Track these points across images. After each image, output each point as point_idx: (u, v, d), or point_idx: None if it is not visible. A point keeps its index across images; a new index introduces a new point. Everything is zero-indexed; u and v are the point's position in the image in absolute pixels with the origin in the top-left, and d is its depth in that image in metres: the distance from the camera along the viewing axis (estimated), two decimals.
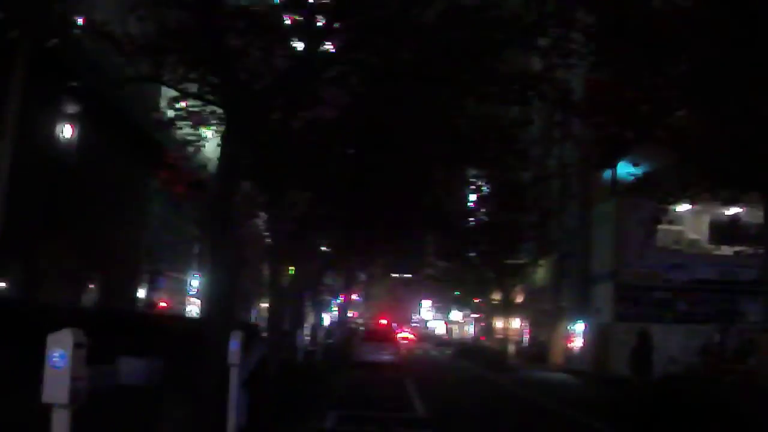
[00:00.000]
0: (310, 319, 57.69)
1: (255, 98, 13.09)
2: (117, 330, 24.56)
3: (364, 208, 29.12)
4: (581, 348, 45.18)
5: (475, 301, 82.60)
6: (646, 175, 33.80)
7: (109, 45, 16.93)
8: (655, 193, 27.51)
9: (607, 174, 42.11)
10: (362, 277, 76.54)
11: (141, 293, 39.73)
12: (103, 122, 29.03)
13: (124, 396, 20.76)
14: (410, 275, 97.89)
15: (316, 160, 21.32)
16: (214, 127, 20.88)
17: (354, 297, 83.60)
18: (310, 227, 25.39)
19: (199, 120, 17.81)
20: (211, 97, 15.13)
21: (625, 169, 37.92)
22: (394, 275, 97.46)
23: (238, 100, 12.97)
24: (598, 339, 41.76)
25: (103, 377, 20.95)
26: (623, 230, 40.07)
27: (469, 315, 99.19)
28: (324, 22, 14.35)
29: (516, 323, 62.24)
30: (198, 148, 22.39)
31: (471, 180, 42.48)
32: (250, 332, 21.15)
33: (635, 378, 24.87)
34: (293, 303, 27.84)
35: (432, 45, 15.93)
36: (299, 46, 15.23)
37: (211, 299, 13.33)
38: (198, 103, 18.79)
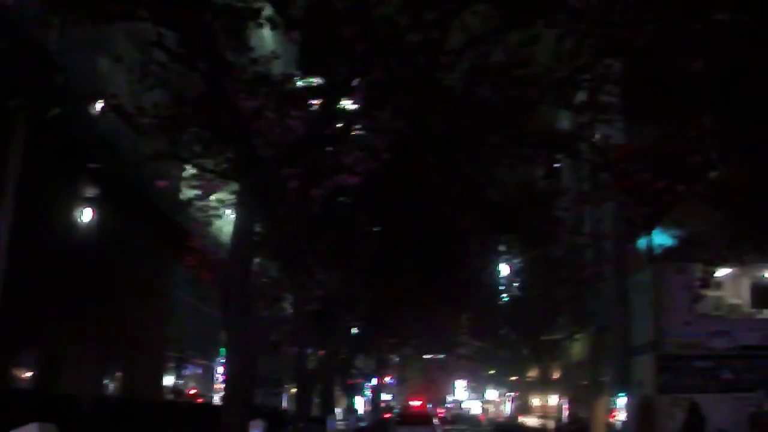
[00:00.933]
0: (342, 404, 56.50)
1: (268, 163, 12.15)
2: (138, 419, 23.74)
3: (392, 287, 28.19)
4: (624, 423, 43.44)
5: (511, 379, 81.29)
6: (686, 238, 33.07)
7: (122, 121, 16.24)
8: (699, 255, 26.47)
9: (641, 243, 41.06)
10: (394, 359, 75.40)
11: (168, 381, 38.86)
12: (123, 205, 28.44)
13: None
14: (442, 356, 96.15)
15: (339, 234, 20.35)
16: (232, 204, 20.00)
17: (387, 380, 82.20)
18: (336, 307, 24.31)
19: (209, 187, 16.78)
20: (227, 172, 14.24)
21: (659, 237, 37.46)
22: (426, 356, 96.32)
23: (251, 165, 12.05)
24: (641, 413, 40.08)
25: None
26: (662, 298, 38.71)
27: (504, 393, 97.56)
28: (342, 78, 13.45)
29: (553, 400, 60.52)
30: (215, 227, 21.44)
31: (502, 253, 41.28)
32: (277, 419, 19.99)
33: None
34: (321, 387, 26.68)
35: (459, 105, 15.08)
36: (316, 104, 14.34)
37: (227, 384, 12.25)
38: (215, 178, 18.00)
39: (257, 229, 16.04)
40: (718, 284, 38.50)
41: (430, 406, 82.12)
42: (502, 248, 28.51)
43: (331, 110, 13.13)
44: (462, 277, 30.11)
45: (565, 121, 19.35)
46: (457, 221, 19.92)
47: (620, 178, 40.17)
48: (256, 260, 22.61)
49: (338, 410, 46.19)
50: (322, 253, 19.76)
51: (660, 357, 38.70)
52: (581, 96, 16.31)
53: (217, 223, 21.31)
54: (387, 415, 49.44)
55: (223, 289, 12.22)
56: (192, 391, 42.01)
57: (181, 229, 27.74)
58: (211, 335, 44.84)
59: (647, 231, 38.93)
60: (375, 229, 22.39)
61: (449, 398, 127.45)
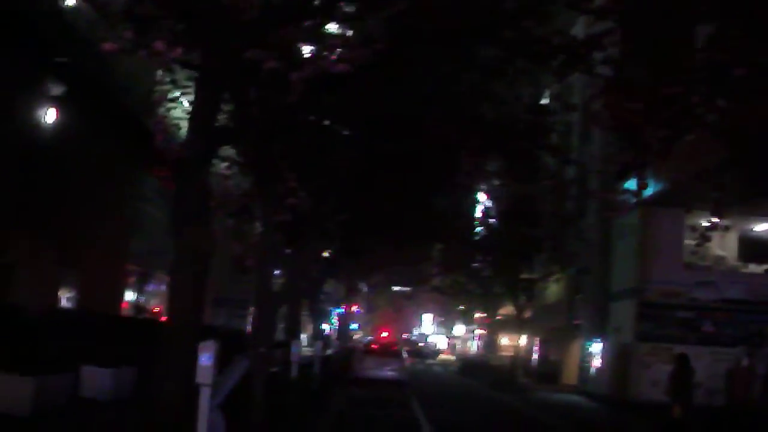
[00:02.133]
0: (309, 330, 55.19)
1: (240, 32, 10.23)
2: (90, 333, 22.25)
3: (370, 208, 26.58)
4: (598, 369, 42.42)
5: (478, 315, 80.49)
6: (679, 183, 31.68)
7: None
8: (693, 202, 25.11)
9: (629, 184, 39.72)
10: (364, 287, 74.43)
11: (130, 296, 37.41)
12: (90, 106, 26.59)
13: (78, 411, 18.35)
14: (413, 287, 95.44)
15: (318, 134, 18.52)
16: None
17: (355, 308, 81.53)
18: (307, 224, 22.56)
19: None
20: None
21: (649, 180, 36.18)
22: (396, 288, 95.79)
23: (218, 31, 10.19)
24: (617, 360, 39.09)
25: (60, 389, 18.51)
26: (648, 244, 37.73)
27: (472, 330, 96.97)
28: None
29: (524, 340, 59.57)
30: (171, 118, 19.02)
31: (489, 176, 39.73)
32: (235, 342, 18.42)
33: (676, 407, 22.16)
34: (287, 310, 25.08)
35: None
36: None
37: (170, 299, 10.51)
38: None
39: (221, 118, 14.16)
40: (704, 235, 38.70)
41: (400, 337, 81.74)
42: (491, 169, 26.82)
43: None
44: (446, 201, 28.46)
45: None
46: (449, 135, 18.12)
47: (605, 119, 38.54)
48: (223, 164, 20.78)
49: (304, 336, 44.75)
50: (297, 155, 17.85)
51: (642, 304, 37.75)
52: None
53: (174, 114, 19.02)
54: (372, 346, 48.20)
55: (175, 185, 10.43)
56: (156, 309, 40.48)
57: (150, 135, 25.69)
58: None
59: (637, 173, 37.98)
60: (358, 135, 20.49)
61: (415, 331, 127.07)
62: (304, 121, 16.77)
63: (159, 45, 9.82)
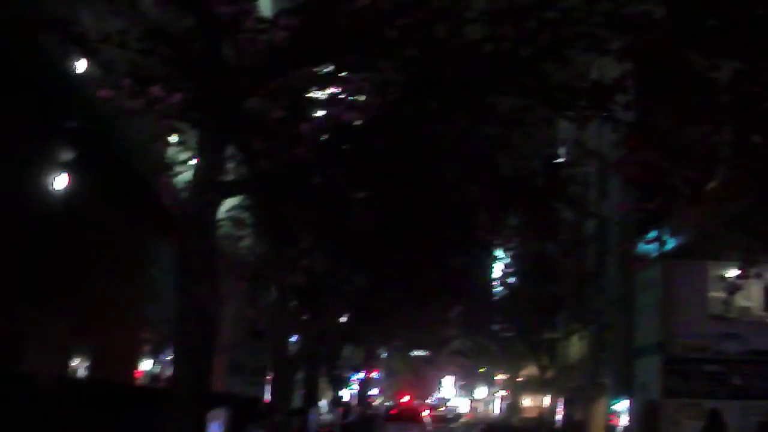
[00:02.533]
0: (328, 396, 54.29)
1: (242, 78, 9.72)
2: (102, 404, 21.59)
3: (387, 268, 26.01)
4: (625, 428, 41.37)
5: (499, 377, 79.56)
6: (700, 235, 31.19)
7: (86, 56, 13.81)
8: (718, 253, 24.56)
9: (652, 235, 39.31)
10: (383, 353, 73.60)
11: (146, 366, 36.80)
12: (101, 172, 26.23)
13: None
14: (432, 351, 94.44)
15: (330, 191, 17.94)
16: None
17: (374, 374, 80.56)
18: (323, 286, 21.93)
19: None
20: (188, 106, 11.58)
21: (669, 233, 35.80)
22: (415, 352, 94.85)
23: (220, 83, 9.68)
24: (645, 418, 38.07)
25: None
26: (672, 297, 37.01)
27: (494, 392, 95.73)
28: None
29: (546, 401, 58.49)
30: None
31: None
32: (249, 409, 17.77)
33: None
34: (305, 376, 24.41)
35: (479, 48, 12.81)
36: None
37: (175, 362, 9.88)
38: None
39: (230, 172, 13.56)
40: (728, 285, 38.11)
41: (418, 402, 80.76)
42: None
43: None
44: (464, 260, 27.87)
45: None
46: (467, 191, 17.56)
47: (629, 166, 37.88)
48: (241, 233, 20.21)
49: (324, 402, 43.93)
50: (310, 215, 17.25)
51: (667, 359, 36.82)
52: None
53: (185, 177, 18.50)
54: (393, 412, 47.42)
55: (179, 241, 9.85)
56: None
57: (163, 202, 25.25)
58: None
59: (657, 224, 37.50)
60: (372, 194, 19.89)
61: (435, 396, 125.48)
62: (315, 178, 16.21)
63: (156, 90, 9.34)
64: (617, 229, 42.79)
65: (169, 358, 39.74)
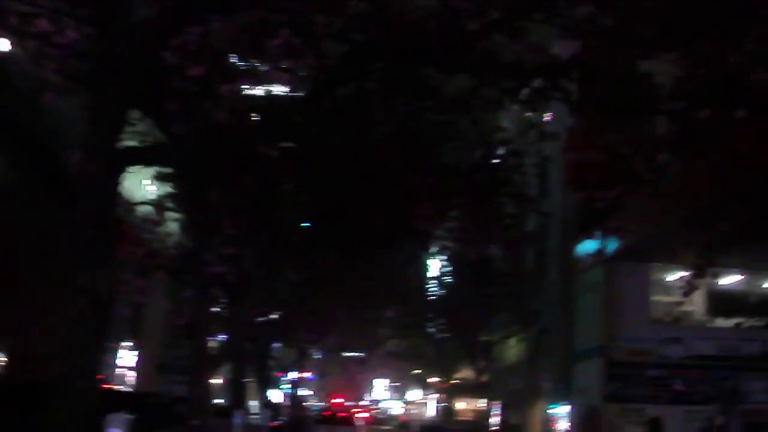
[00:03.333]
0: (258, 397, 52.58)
1: (151, 23, 8.10)
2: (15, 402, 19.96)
3: (321, 263, 24.50)
4: None
5: (434, 379, 78.49)
6: (645, 237, 30.40)
7: None
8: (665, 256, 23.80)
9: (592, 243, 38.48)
10: (315, 354, 72.27)
11: None
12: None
13: None
14: (366, 352, 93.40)
15: (255, 173, 16.31)
16: None
17: (307, 375, 79.10)
18: (251, 281, 20.30)
19: None
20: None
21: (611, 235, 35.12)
22: (349, 354, 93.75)
23: (123, 24, 8.06)
24: (585, 423, 37.07)
25: None
26: (614, 300, 35.94)
27: (428, 395, 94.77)
28: None
29: (482, 404, 57.48)
30: None
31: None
32: (163, 411, 16.13)
33: None
34: (232, 376, 22.77)
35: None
36: None
37: (62, 357, 8.26)
38: None
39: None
40: (669, 289, 37.01)
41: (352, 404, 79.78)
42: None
43: None
44: (400, 257, 26.52)
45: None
46: (408, 180, 16.16)
47: (572, 167, 37.02)
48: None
49: (254, 404, 42.18)
50: (235, 199, 15.64)
51: (609, 363, 35.73)
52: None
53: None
54: (325, 413, 46.11)
55: (67, 215, 8.26)
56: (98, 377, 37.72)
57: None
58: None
59: (600, 227, 36.72)
60: (304, 182, 18.32)
61: (368, 397, 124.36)
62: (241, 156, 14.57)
63: (44, 24, 7.69)
64: (558, 228, 41.89)
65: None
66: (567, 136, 40.23)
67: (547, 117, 17.58)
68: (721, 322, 37.74)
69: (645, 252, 33.62)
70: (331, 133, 15.77)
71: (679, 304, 31.89)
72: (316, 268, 24.89)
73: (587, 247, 38.90)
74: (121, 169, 9.33)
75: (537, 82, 13.10)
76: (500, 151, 19.25)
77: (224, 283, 16.03)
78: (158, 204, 15.38)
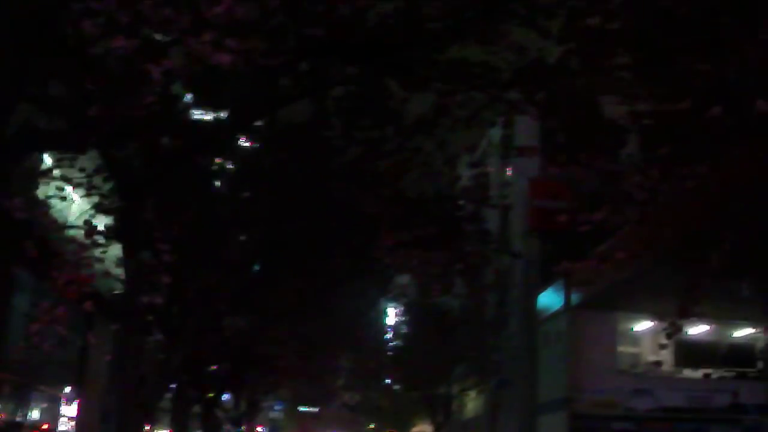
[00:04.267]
0: None
1: None
2: None
3: (272, 311, 22.83)
4: None
5: None
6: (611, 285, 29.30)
7: None
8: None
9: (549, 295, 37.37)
10: (268, 406, 70.22)
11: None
12: None
13: None
14: (320, 407, 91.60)
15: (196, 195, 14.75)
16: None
17: (258, 429, 76.72)
18: (190, 316, 18.42)
19: None
20: None
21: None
22: (303, 408, 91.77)
23: None
24: None
25: None
26: (578, 350, 34.97)
27: None
28: None
29: None
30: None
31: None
32: None
33: None
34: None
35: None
36: None
37: None
38: None
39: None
40: (634, 340, 36.87)
41: None
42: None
43: None
44: (362, 296, 24.92)
45: None
46: (366, 204, 14.73)
47: (534, 215, 36.00)
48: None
49: None
50: (173, 215, 14.00)
51: (573, 416, 34.55)
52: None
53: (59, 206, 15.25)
54: None
55: None
56: (44, 426, 35.93)
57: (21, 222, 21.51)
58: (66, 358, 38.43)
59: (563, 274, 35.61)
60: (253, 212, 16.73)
61: None
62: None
63: None
64: (520, 278, 40.67)
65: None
66: (530, 185, 39.21)
67: (508, 171, 16.68)
68: (689, 373, 36.86)
69: (610, 300, 32.82)
70: (286, 160, 14.57)
71: (646, 354, 30.90)
72: (267, 311, 23.13)
73: (549, 296, 37.86)
74: (15, 155, 7.74)
75: (512, 94, 11.75)
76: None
77: (157, 316, 14.35)
78: (87, 224, 13.69)
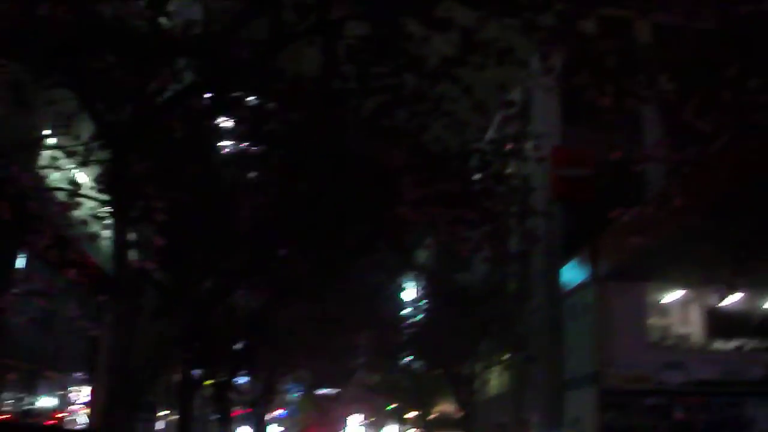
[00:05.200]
0: None
1: None
2: None
3: (288, 282, 21.54)
4: None
5: (410, 415, 75.56)
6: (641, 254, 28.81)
7: None
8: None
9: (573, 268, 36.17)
10: (286, 388, 69.55)
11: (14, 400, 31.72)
12: None
13: None
14: (339, 388, 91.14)
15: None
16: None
17: (278, 412, 76.25)
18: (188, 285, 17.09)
19: None
20: None
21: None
22: (321, 390, 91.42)
23: None
24: None
25: None
26: (607, 323, 33.80)
27: (404, 431, 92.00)
28: None
29: None
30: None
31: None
32: None
33: None
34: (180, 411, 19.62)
35: None
36: None
37: None
38: None
39: None
40: (664, 311, 35.46)
41: None
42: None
43: None
44: (383, 268, 23.72)
45: None
46: (387, 158, 13.44)
47: (556, 184, 34.77)
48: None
49: None
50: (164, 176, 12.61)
51: (603, 392, 33.49)
52: None
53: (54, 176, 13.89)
54: None
55: None
56: (59, 415, 34.94)
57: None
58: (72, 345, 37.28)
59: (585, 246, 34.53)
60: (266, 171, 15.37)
61: None
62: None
63: None
64: (543, 248, 39.34)
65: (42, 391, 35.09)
66: (552, 153, 37.91)
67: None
68: (721, 345, 35.40)
69: (639, 270, 31.86)
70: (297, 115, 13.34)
71: (676, 326, 29.92)
72: (280, 285, 21.82)
73: (573, 268, 36.78)
74: None
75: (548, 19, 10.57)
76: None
77: (153, 284, 13.04)
78: (72, 184, 12.33)
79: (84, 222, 12.34)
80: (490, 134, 19.55)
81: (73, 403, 38.32)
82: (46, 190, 12.61)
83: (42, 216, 11.77)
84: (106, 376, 11.53)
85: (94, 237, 12.59)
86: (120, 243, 10.61)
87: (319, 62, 12.94)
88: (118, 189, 10.58)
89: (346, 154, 14.09)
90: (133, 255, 12.20)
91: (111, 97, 10.36)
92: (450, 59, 11.77)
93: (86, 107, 10.84)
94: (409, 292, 49.11)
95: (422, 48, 12.38)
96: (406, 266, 35.68)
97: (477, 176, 15.40)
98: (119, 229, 10.61)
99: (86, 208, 12.62)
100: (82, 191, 12.60)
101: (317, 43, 11.90)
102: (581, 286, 36.16)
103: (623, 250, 30.60)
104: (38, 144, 14.17)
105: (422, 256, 45.66)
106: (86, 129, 12.92)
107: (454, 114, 13.92)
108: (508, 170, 16.30)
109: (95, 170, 13.54)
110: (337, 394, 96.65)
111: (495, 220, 15.78)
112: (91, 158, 12.36)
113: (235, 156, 15.86)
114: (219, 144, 15.52)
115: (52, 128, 13.86)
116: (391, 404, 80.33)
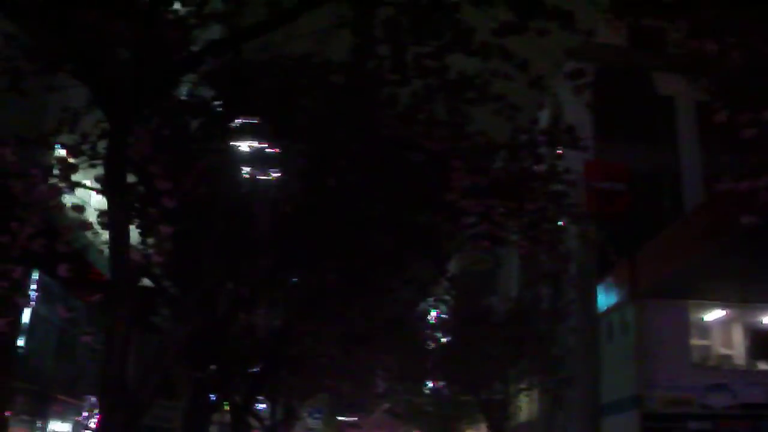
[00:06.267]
0: None
1: None
2: None
3: (313, 296, 19.99)
4: None
5: None
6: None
7: None
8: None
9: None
10: (306, 413, 68.11)
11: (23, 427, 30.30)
12: None
13: None
14: (361, 415, 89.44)
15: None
16: None
17: None
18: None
19: None
20: None
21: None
22: (342, 417, 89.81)
23: None
24: None
25: None
26: (648, 343, 32.49)
27: None
28: None
29: None
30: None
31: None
32: None
33: None
34: None
35: None
36: None
37: None
38: None
39: None
40: (704, 331, 34.47)
41: None
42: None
43: None
44: (414, 283, 22.21)
45: None
46: (432, 142, 11.92)
47: (591, 198, 33.32)
48: None
49: None
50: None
51: (645, 416, 31.93)
52: None
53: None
54: None
55: None
56: None
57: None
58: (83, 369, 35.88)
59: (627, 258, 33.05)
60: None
61: None
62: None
63: None
64: (576, 267, 37.74)
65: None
66: (585, 167, 36.55)
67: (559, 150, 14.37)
68: (765, 366, 34.30)
69: (680, 288, 31.08)
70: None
71: (717, 346, 28.68)
72: (302, 299, 20.18)
73: (609, 285, 35.25)
74: None
75: None
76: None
77: (153, 280, 11.44)
78: (61, 162, 10.67)
79: (79, 208, 10.73)
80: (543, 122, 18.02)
81: (87, 429, 36.93)
82: (34, 168, 11.02)
83: (27, 201, 10.27)
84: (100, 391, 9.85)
85: (88, 226, 10.96)
86: (116, 229, 8.91)
87: (349, 47, 11.39)
88: (115, 161, 8.95)
89: (381, 140, 12.52)
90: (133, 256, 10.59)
91: (106, 53, 8.90)
92: (508, 24, 10.07)
93: (80, 68, 9.35)
94: (438, 311, 47.56)
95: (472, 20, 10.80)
96: (437, 280, 33.94)
97: (538, 167, 13.84)
98: (115, 211, 8.90)
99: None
100: (76, 178, 11.02)
101: (348, 19, 10.31)
102: (619, 305, 34.75)
103: (664, 266, 29.48)
104: (45, 140, 12.63)
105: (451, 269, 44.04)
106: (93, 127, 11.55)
107: (504, 98, 12.26)
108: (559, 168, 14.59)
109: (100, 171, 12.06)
110: (360, 419, 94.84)
111: (552, 219, 14.25)
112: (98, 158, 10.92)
113: (255, 153, 14.24)
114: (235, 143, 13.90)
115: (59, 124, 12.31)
116: (414, 430, 78.75)
